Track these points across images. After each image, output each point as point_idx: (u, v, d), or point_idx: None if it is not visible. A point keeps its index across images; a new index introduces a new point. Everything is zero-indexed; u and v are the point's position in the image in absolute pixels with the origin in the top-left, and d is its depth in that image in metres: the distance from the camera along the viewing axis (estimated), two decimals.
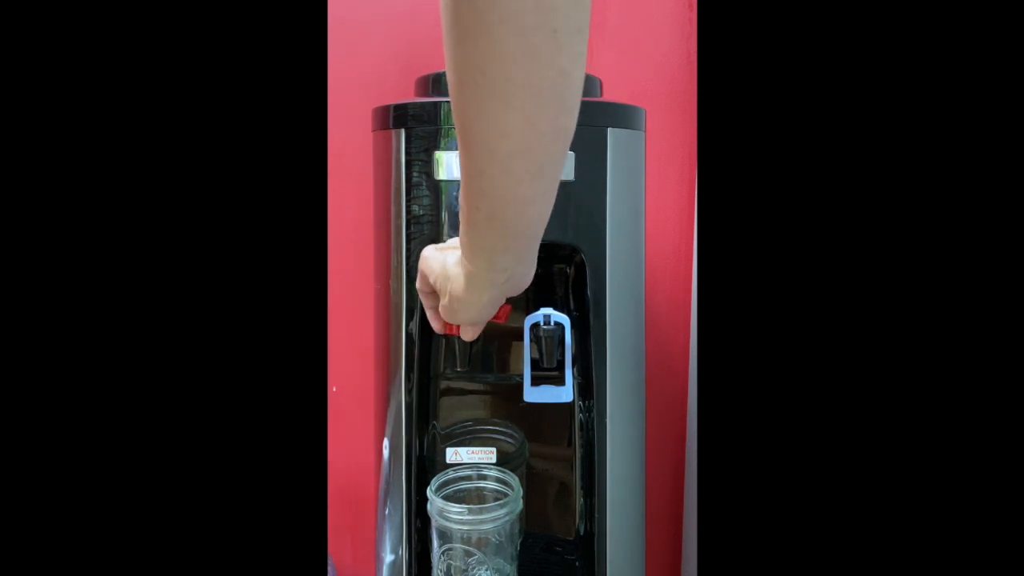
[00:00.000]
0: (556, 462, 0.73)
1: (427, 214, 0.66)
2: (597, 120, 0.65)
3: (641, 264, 0.73)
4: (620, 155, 0.66)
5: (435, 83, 0.70)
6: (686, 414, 1.06)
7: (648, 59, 0.98)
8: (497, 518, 0.62)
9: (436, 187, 0.66)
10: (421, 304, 0.60)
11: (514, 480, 0.65)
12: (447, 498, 0.64)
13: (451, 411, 0.73)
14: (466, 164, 0.42)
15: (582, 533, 0.72)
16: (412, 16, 0.96)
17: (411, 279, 0.67)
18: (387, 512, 0.72)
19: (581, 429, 0.70)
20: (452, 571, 0.63)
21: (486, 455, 0.71)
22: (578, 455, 0.71)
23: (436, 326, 0.60)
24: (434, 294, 0.56)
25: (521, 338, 0.64)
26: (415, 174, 0.66)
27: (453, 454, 0.71)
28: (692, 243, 1.02)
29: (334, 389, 1.01)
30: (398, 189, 0.67)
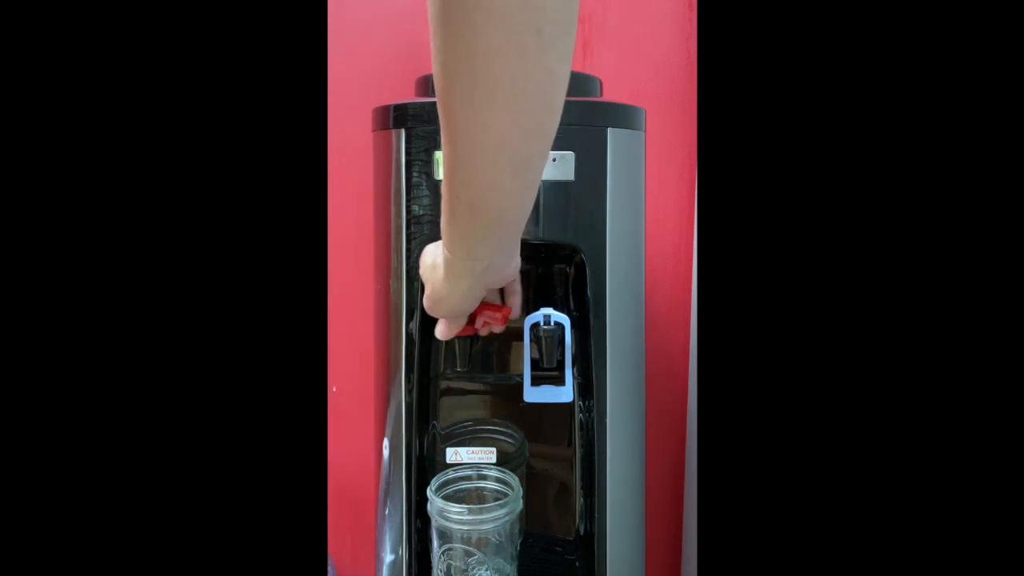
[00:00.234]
0: (556, 462, 0.73)
1: (427, 214, 0.66)
2: (597, 120, 0.65)
3: (641, 264, 0.73)
4: (620, 155, 0.66)
5: None
6: (686, 414, 1.06)
7: (648, 59, 0.98)
8: (497, 518, 0.62)
9: (436, 187, 0.66)
10: (421, 304, 0.60)
11: (514, 480, 0.65)
12: (447, 498, 0.64)
13: (451, 411, 0.73)
14: (449, 155, 0.43)
15: (582, 533, 0.72)
16: (412, 16, 0.96)
17: (411, 279, 0.67)
18: (387, 512, 0.72)
19: (581, 429, 0.70)
20: (452, 571, 0.63)
21: (486, 455, 0.71)
22: (578, 455, 0.71)
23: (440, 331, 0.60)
24: None
25: (521, 338, 0.64)
26: (415, 174, 0.66)
27: (453, 454, 0.71)
28: (692, 243, 1.02)
29: (334, 389, 1.01)
30: (398, 189, 0.67)
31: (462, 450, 0.71)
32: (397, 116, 0.67)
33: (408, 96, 0.71)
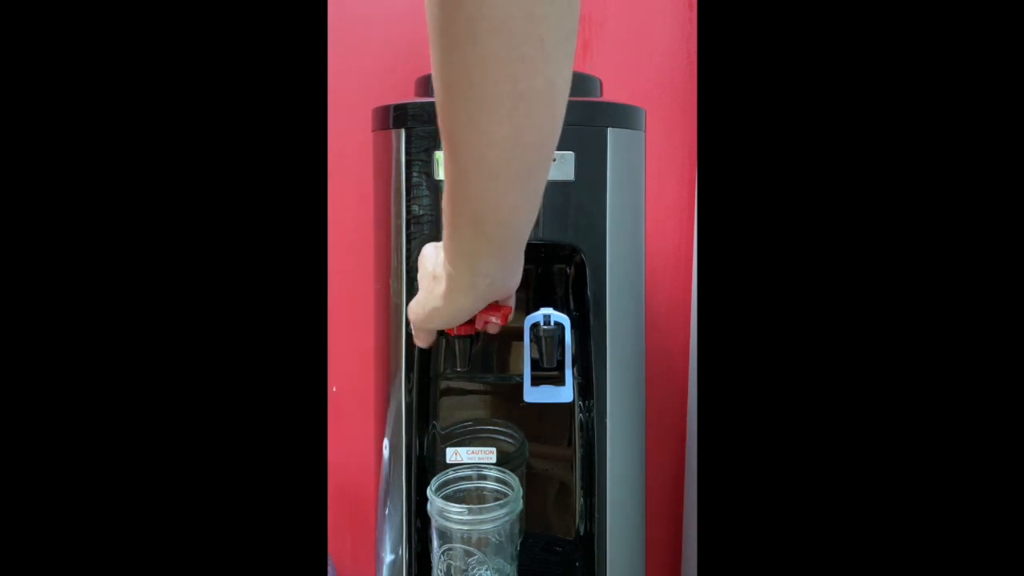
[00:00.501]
0: (556, 462, 0.73)
1: (427, 214, 0.66)
2: (597, 120, 0.65)
3: (641, 264, 0.73)
4: (620, 155, 0.66)
5: None
6: (686, 414, 1.06)
7: (648, 59, 0.98)
8: (497, 518, 0.62)
9: (436, 187, 0.66)
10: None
11: (514, 480, 0.65)
12: (447, 498, 0.64)
13: (451, 411, 0.73)
14: (450, 170, 0.42)
15: (582, 533, 0.72)
16: (412, 16, 0.96)
17: (411, 279, 0.67)
18: (387, 512, 0.72)
19: (581, 429, 0.70)
20: (452, 571, 0.63)
21: (486, 455, 0.71)
22: (578, 455, 0.71)
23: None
24: None
25: (521, 338, 0.64)
26: (415, 174, 0.66)
27: (453, 454, 0.71)
28: (692, 243, 1.02)
29: (334, 389, 1.01)
30: (398, 189, 0.67)
31: (462, 450, 0.71)
32: (397, 116, 0.67)
33: (408, 96, 0.71)
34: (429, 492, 0.64)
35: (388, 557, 0.72)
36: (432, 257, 0.55)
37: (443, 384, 0.73)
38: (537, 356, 0.64)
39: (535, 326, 0.63)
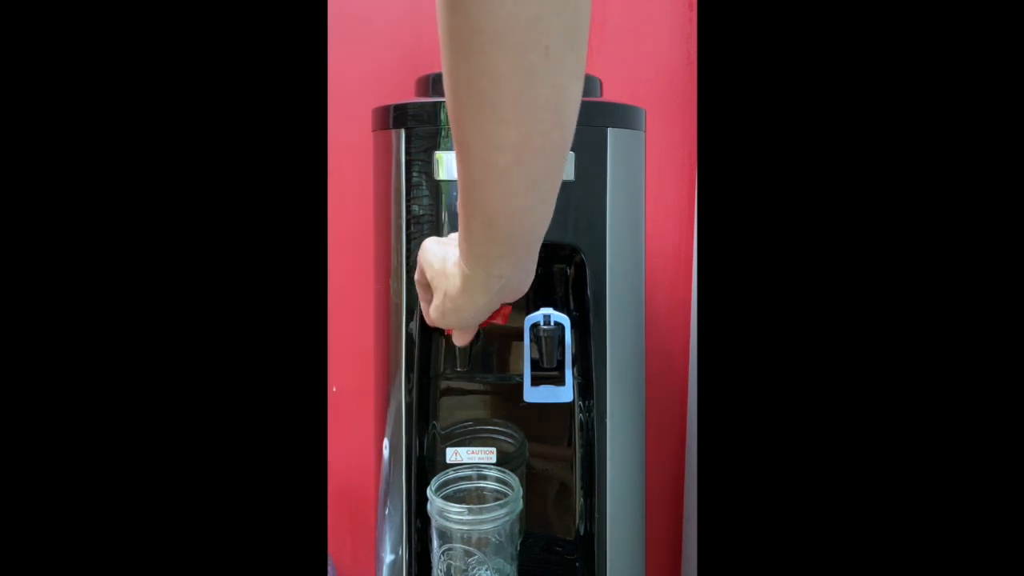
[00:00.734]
0: (556, 462, 0.73)
1: (427, 214, 0.66)
2: (597, 120, 0.65)
3: (641, 264, 0.73)
4: (620, 155, 0.66)
5: (435, 83, 0.70)
6: (686, 414, 1.06)
7: (648, 59, 0.98)
8: (497, 518, 0.62)
9: (436, 187, 0.66)
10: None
11: (514, 480, 0.65)
12: (447, 498, 0.64)
13: (451, 411, 0.73)
14: (463, 174, 0.42)
15: (582, 533, 0.72)
16: (413, 16, 0.96)
17: (411, 279, 0.67)
18: (387, 512, 0.72)
19: (581, 429, 0.70)
20: (452, 571, 0.63)
21: (486, 455, 0.71)
22: (578, 455, 0.71)
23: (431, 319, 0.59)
24: (430, 287, 0.56)
25: (521, 338, 0.64)
26: (415, 174, 0.66)
27: (453, 454, 0.71)
28: (692, 243, 1.02)
29: (334, 389, 1.01)
30: (398, 189, 0.67)
31: (462, 450, 0.71)
32: (397, 116, 0.67)
33: (408, 96, 0.71)
34: (429, 492, 0.64)
35: (388, 557, 0.72)
36: (435, 252, 0.55)
37: (443, 384, 0.73)
38: (537, 356, 0.64)
39: (535, 326, 0.63)
